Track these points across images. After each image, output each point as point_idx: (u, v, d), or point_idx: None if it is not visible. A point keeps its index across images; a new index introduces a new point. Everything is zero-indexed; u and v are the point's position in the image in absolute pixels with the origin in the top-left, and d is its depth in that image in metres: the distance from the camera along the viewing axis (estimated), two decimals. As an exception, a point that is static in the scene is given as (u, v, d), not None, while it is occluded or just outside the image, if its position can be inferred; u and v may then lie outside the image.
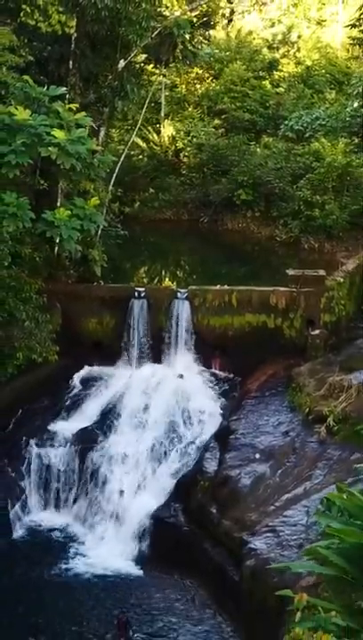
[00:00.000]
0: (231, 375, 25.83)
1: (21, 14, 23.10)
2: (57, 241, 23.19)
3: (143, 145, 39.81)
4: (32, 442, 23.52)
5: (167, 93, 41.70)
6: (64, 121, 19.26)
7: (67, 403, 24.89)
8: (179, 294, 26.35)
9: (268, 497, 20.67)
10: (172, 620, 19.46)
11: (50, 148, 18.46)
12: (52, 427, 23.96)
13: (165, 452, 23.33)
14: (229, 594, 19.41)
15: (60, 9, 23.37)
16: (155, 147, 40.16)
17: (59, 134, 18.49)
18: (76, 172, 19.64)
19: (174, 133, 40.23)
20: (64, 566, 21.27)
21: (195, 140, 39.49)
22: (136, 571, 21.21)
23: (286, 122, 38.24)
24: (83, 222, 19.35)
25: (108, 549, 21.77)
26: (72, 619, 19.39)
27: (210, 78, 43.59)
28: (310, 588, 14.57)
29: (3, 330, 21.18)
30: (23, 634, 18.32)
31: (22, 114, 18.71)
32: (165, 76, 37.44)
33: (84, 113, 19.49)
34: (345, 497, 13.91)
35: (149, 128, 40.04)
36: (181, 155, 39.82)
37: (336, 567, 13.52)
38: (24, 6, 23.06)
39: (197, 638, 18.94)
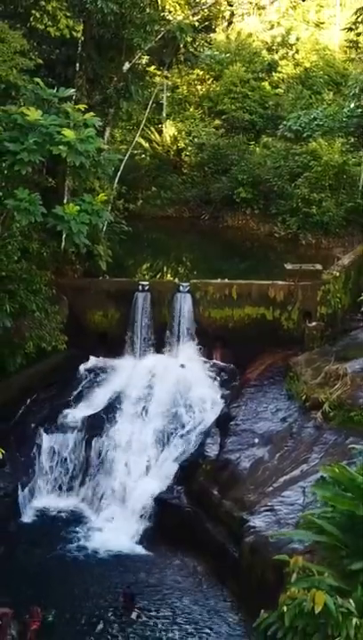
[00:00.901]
0: (231, 365, 26.91)
1: (31, 19, 24.09)
2: (64, 235, 24.25)
3: (146, 144, 40.81)
4: (41, 428, 24.58)
5: (169, 94, 42.72)
6: (73, 121, 20.18)
7: (74, 391, 25.94)
8: (181, 288, 27.44)
9: (266, 479, 21.76)
10: (175, 594, 20.53)
11: (60, 147, 19.34)
12: (60, 414, 25.01)
13: (169, 438, 24.40)
14: (230, 569, 20.48)
15: (68, 14, 24.37)
16: (157, 146, 41.22)
17: (68, 133, 19.38)
18: (84, 170, 20.57)
19: (176, 133, 41.32)
20: (72, 546, 22.29)
21: (196, 139, 40.63)
22: (141, 549, 22.28)
23: (285, 122, 39.26)
24: (91, 217, 20.27)
25: (114, 530, 22.81)
26: (80, 594, 20.41)
27: (210, 80, 44.62)
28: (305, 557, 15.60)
29: (13, 320, 22.11)
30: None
31: (34, 114, 19.61)
32: (167, 77, 38.45)
33: (92, 113, 20.40)
34: (337, 471, 14.94)
35: (152, 128, 41.06)
36: (183, 154, 40.95)
37: (330, 535, 14.59)
38: (34, 11, 24.07)
39: (199, 611, 19.98)
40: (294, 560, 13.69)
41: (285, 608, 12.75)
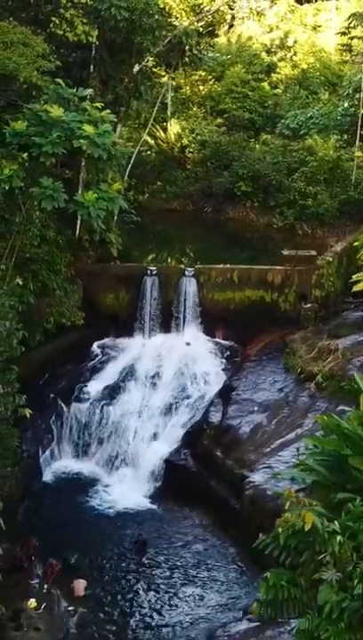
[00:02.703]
0: (233, 343, 29.16)
1: (51, 25, 26.32)
2: (79, 222, 26.46)
3: (151, 142, 42.81)
4: (59, 399, 26.89)
5: (173, 94, 44.67)
6: (91, 117, 22.49)
7: (89, 366, 28.25)
8: (186, 272, 29.66)
9: (264, 441, 24.13)
10: (182, 542, 22.95)
11: (81, 140, 21.66)
12: (77, 386, 27.33)
13: (176, 407, 26.75)
14: (232, 520, 22.86)
15: (85, 20, 26.59)
16: (162, 143, 43.19)
17: (88, 129, 21.67)
18: (101, 161, 22.85)
19: (180, 131, 43.21)
20: (89, 503, 24.68)
21: (199, 137, 42.61)
22: (151, 505, 24.70)
23: (283, 120, 41.36)
24: (107, 204, 22.58)
25: (126, 489, 25.23)
26: (98, 542, 22.81)
27: (212, 80, 46.58)
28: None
29: (36, 299, 24.27)
30: (58, 553, 21.34)
31: (57, 111, 21.95)
32: (173, 78, 40.50)
33: (108, 111, 22.67)
34: (326, 418, 17.23)
35: (157, 126, 42.90)
36: (186, 151, 42.83)
37: (319, 474, 16.88)
38: (53, 18, 26.30)
39: (204, 556, 22.37)
40: (288, 492, 15.96)
41: (279, 530, 14.99)
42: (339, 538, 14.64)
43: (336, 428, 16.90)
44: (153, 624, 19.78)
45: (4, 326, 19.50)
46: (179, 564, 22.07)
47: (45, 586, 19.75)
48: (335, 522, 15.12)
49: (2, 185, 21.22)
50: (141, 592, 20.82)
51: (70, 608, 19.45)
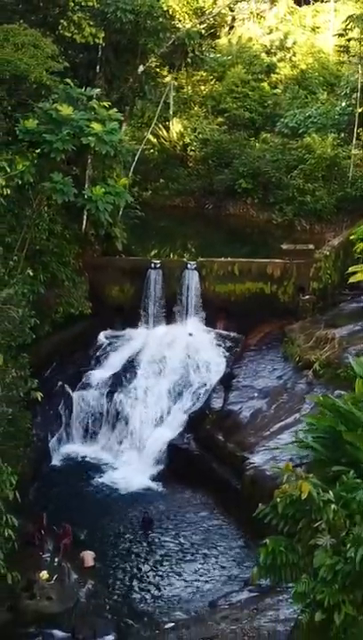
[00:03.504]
0: (234, 333, 30.25)
1: (59, 27, 27.45)
2: (85, 216, 27.56)
3: (154, 140, 43.84)
4: (67, 386, 27.96)
5: (175, 94, 45.68)
6: (99, 116, 23.66)
7: (95, 355, 29.34)
8: (189, 265, 30.74)
9: (264, 425, 25.24)
10: (186, 522, 24.04)
11: (89, 138, 22.86)
12: (85, 374, 28.43)
13: (179, 394, 27.86)
14: (233, 500, 23.94)
15: (91, 23, 27.71)
16: (164, 142, 44.27)
17: (96, 126, 22.90)
18: (108, 158, 24.04)
19: (182, 130, 44.26)
20: (96, 485, 25.78)
21: (200, 135, 43.68)
22: (156, 486, 25.81)
23: (282, 119, 42.45)
24: (115, 198, 23.77)
25: (132, 471, 26.31)
26: (106, 520, 23.92)
27: (214, 80, 47.62)
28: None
29: (46, 289, 25.35)
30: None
31: (66, 110, 23.15)
32: (176, 78, 41.58)
33: (115, 109, 23.84)
34: (322, 398, 18.35)
35: (160, 125, 43.94)
36: (188, 149, 43.90)
37: (315, 450, 17.97)
38: (62, 21, 27.44)
39: (207, 533, 23.47)
40: (286, 466, 17.05)
41: (278, 499, 16.07)
42: (333, 506, 15.61)
43: (332, 407, 17.96)
44: (158, 595, 20.93)
45: (17, 313, 20.55)
46: (182, 540, 23.16)
47: (56, 559, 20.89)
48: (330, 492, 16.21)
49: (15, 180, 22.37)
50: (146, 566, 21.95)
51: (80, 580, 20.58)
